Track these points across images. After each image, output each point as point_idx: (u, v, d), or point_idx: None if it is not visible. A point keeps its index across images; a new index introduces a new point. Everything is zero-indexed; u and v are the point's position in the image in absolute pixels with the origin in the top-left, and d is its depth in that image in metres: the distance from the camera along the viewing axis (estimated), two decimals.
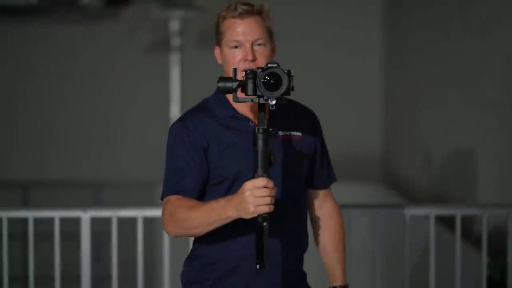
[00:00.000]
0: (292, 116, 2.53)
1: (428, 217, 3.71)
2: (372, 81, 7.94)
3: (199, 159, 2.42)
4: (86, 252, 3.72)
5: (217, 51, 2.51)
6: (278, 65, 2.27)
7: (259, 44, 2.44)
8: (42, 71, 8.01)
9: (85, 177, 7.99)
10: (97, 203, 7.81)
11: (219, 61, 2.52)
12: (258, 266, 2.24)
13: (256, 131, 2.25)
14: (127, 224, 3.91)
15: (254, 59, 2.42)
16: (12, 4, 7.68)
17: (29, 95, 8.02)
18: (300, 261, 2.55)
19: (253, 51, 2.42)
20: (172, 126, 2.50)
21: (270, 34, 2.48)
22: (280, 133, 2.47)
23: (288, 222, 2.47)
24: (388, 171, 7.64)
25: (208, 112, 2.48)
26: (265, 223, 2.23)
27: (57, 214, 3.70)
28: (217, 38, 2.50)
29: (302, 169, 2.52)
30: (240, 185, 2.29)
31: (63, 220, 3.72)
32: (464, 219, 3.77)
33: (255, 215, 2.21)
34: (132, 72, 8.01)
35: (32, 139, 8.04)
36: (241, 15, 2.43)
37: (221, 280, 2.47)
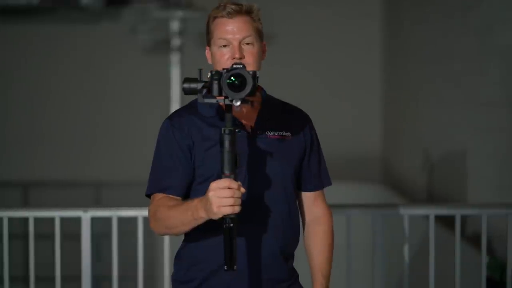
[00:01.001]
0: (282, 117, 2.54)
1: (427, 217, 3.71)
2: (372, 81, 7.95)
3: (184, 157, 2.44)
4: (86, 252, 3.72)
5: (208, 51, 2.53)
6: (243, 67, 2.26)
7: (247, 43, 2.45)
8: (42, 71, 8.01)
9: (85, 177, 8.00)
10: (98, 203, 7.82)
11: (210, 61, 2.53)
12: (225, 267, 2.23)
13: (222, 131, 2.24)
14: (127, 224, 3.92)
15: (241, 57, 2.43)
16: (12, 4, 7.69)
17: (29, 95, 8.03)
18: (287, 260, 2.53)
19: (240, 49, 2.44)
20: (161, 125, 2.52)
21: (259, 34, 2.50)
22: (268, 133, 2.48)
23: (271, 221, 2.45)
24: (388, 171, 7.65)
25: (195, 111, 2.50)
26: (231, 224, 2.20)
27: (57, 214, 3.70)
28: (207, 38, 2.51)
29: (289, 169, 2.50)
30: None
31: (63, 220, 3.73)
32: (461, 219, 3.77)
33: (220, 215, 2.19)
34: (132, 72, 8.01)
35: (32, 139, 8.05)
36: (230, 14, 2.44)
37: (208, 280, 2.47)
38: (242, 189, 2.20)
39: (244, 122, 2.48)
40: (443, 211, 3.76)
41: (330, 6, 7.92)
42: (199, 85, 2.30)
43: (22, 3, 7.66)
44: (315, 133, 2.61)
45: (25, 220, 3.77)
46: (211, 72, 2.28)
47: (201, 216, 2.24)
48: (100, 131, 8.06)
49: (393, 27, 7.54)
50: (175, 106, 7.68)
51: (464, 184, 5.11)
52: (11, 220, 3.73)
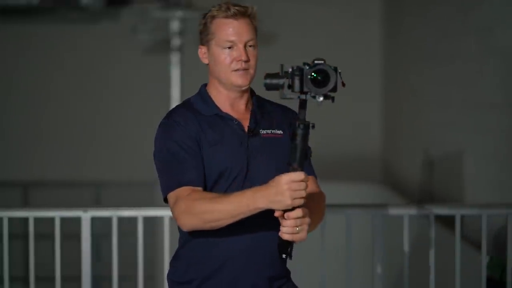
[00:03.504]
0: (272, 116, 2.55)
1: (427, 217, 3.71)
2: (372, 81, 7.95)
3: (196, 150, 2.43)
4: (86, 252, 3.72)
5: (202, 50, 2.51)
6: (325, 62, 2.27)
7: (250, 46, 2.46)
8: (42, 71, 8.02)
9: (85, 177, 8.00)
10: (98, 203, 7.82)
11: (205, 61, 2.52)
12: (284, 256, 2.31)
13: (297, 126, 2.26)
14: (127, 224, 3.92)
15: (247, 60, 2.44)
16: (12, 4, 7.69)
17: (29, 95, 8.03)
18: (283, 258, 2.50)
19: (246, 51, 2.44)
20: (160, 124, 2.49)
21: (257, 36, 2.51)
22: (262, 132, 2.49)
23: (269, 219, 2.41)
24: (388, 171, 7.65)
25: (193, 109, 2.50)
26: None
27: (57, 214, 3.70)
28: (205, 37, 2.50)
29: (283, 166, 2.46)
30: (224, 182, 2.35)
31: (63, 220, 3.73)
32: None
33: (290, 207, 2.23)
34: (132, 72, 8.01)
35: (32, 139, 8.05)
36: (235, 16, 2.44)
37: (209, 279, 2.47)
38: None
39: (242, 122, 2.50)
40: (443, 211, 3.76)
41: (330, 6, 7.92)
42: (281, 81, 2.29)
43: (22, 3, 7.66)
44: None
45: (25, 220, 3.77)
46: (292, 67, 2.27)
47: (259, 207, 2.25)
48: (100, 131, 8.06)
49: (393, 27, 7.54)
50: (174, 106, 7.68)
51: (464, 184, 5.11)
52: (11, 220, 3.73)
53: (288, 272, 2.59)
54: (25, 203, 7.89)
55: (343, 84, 2.31)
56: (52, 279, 3.74)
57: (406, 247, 3.71)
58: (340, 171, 7.64)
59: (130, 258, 3.95)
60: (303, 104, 2.27)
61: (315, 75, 2.25)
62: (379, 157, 7.92)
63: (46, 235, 4.30)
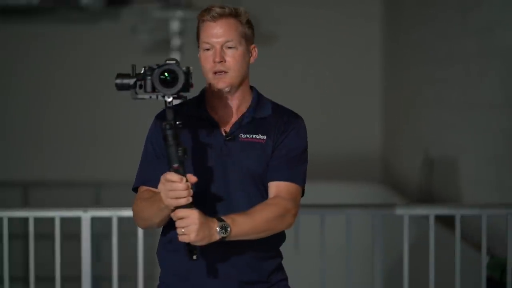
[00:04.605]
0: (265, 120, 2.51)
1: (427, 217, 3.72)
2: (372, 81, 7.95)
3: (160, 151, 2.48)
4: (86, 252, 3.72)
5: (199, 54, 2.53)
6: (176, 62, 2.28)
7: (229, 47, 2.45)
8: (42, 71, 8.02)
9: (85, 177, 7.99)
10: (98, 203, 7.82)
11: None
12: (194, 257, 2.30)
13: (163, 126, 2.27)
14: (127, 224, 3.92)
15: (221, 61, 2.43)
16: (12, 4, 7.69)
17: (29, 95, 8.03)
18: (262, 262, 2.49)
19: (222, 52, 2.44)
20: None
21: (245, 37, 2.48)
22: (241, 136, 2.47)
23: None
24: (388, 171, 7.65)
25: (181, 109, 2.51)
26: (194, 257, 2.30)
27: (57, 214, 3.70)
28: (197, 41, 2.53)
29: (257, 171, 2.47)
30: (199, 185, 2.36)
31: (63, 220, 3.73)
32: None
33: (171, 207, 2.26)
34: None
35: (32, 139, 8.05)
36: (214, 18, 2.45)
37: (177, 283, 2.48)
38: (193, 179, 2.26)
39: (221, 124, 2.49)
40: (443, 211, 3.76)
41: (330, 7, 7.92)
42: (131, 81, 2.31)
43: (22, 3, 7.65)
44: (297, 134, 2.51)
45: (25, 220, 3.77)
46: (144, 67, 2.29)
47: (164, 204, 2.29)
48: (100, 131, 8.05)
49: (393, 28, 7.54)
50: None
51: (464, 184, 5.11)
52: (11, 220, 3.73)
53: (275, 277, 2.52)
54: (25, 203, 7.89)
55: (192, 85, 2.31)
56: (52, 279, 3.74)
57: (406, 247, 3.71)
58: (340, 171, 7.63)
59: (130, 258, 3.95)
60: (167, 105, 2.28)
61: (166, 74, 2.26)
62: (379, 157, 7.92)
63: (46, 235, 4.30)
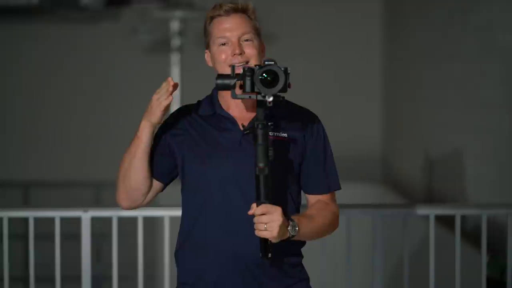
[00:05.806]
0: (284, 117, 2.51)
1: (427, 217, 3.71)
2: (372, 81, 7.95)
3: (163, 151, 2.61)
4: (86, 252, 3.72)
5: (207, 54, 2.54)
6: (275, 63, 2.30)
7: (246, 40, 2.46)
8: (42, 71, 8.02)
9: (85, 177, 7.99)
10: (98, 203, 7.82)
11: (210, 64, 2.53)
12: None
13: (256, 126, 2.29)
14: (127, 224, 3.91)
15: (241, 53, 2.44)
16: (12, 4, 7.69)
17: (29, 95, 8.03)
18: (282, 259, 2.48)
19: (240, 45, 2.45)
20: None
21: (257, 32, 2.50)
22: None
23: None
24: (388, 171, 7.65)
25: (192, 108, 2.55)
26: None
27: (57, 214, 3.70)
28: (206, 40, 2.52)
29: (286, 170, 2.47)
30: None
31: (63, 220, 3.73)
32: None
33: (158, 113, 2.54)
34: (132, 72, 8.01)
35: (32, 139, 8.05)
36: (227, 12, 2.46)
37: (197, 283, 2.47)
38: (172, 82, 2.40)
39: (239, 120, 2.49)
40: (443, 211, 3.76)
41: (330, 6, 7.92)
42: (232, 81, 2.33)
43: (22, 3, 7.65)
44: (322, 135, 2.56)
45: (25, 220, 3.77)
46: (243, 68, 2.31)
47: (143, 127, 2.59)
48: (100, 131, 8.06)
49: (393, 27, 7.54)
50: (174, 106, 7.68)
51: (464, 184, 5.11)
52: (11, 220, 3.73)
53: (296, 276, 2.52)
54: (25, 203, 7.89)
55: (289, 85, 2.34)
56: (52, 279, 3.74)
57: (406, 247, 3.71)
58: (340, 171, 7.62)
59: (130, 258, 3.95)
60: (260, 105, 2.31)
61: (265, 75, 2.29)
62: (379, 157, 7.92)
63: (46, 235, 4.30)
